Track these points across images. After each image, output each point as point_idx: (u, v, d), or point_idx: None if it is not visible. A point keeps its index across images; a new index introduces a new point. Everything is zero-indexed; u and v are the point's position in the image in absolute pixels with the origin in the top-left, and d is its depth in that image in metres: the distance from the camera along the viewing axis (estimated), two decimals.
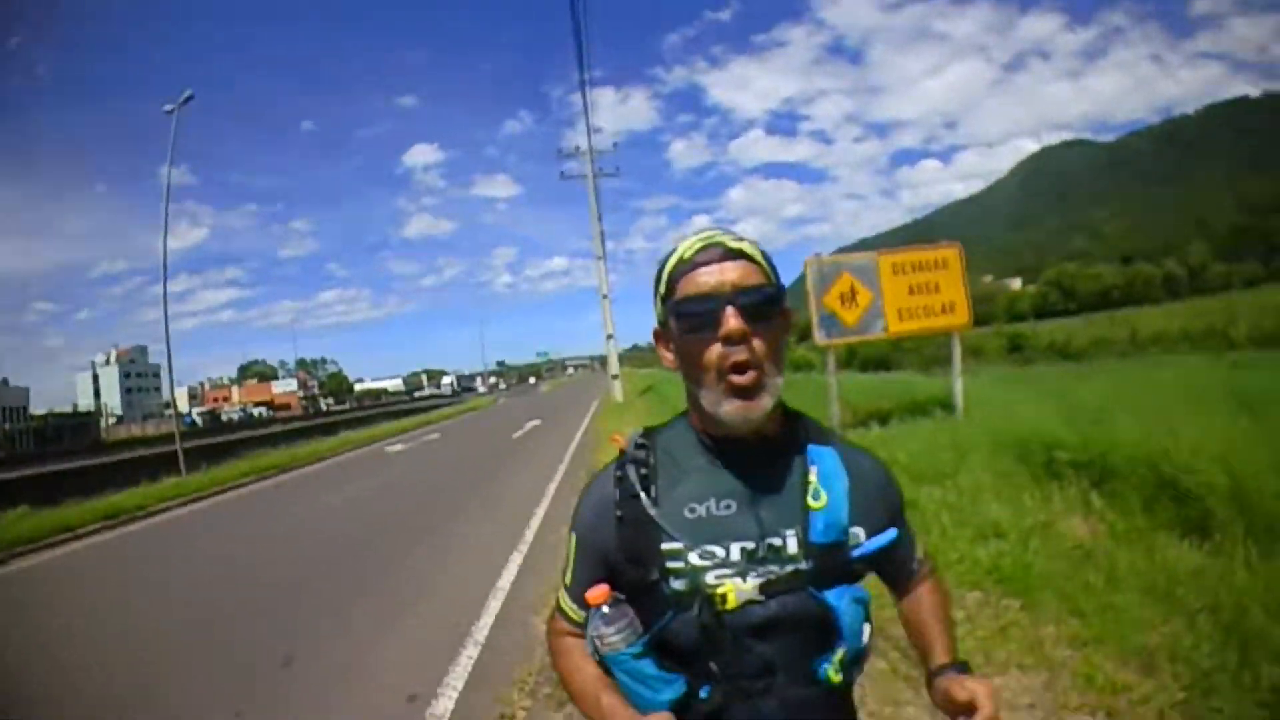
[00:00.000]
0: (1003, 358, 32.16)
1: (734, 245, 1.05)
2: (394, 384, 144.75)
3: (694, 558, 1.04)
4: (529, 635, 4.69)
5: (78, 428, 67.33)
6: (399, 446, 22.70)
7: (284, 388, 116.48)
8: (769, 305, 1.04)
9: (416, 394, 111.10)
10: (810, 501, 1.07)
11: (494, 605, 5.48)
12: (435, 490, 12.12)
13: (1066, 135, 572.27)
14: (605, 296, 34.18)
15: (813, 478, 1.08)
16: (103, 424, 74.06)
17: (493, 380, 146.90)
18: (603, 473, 1.19)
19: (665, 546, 1.05)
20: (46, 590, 8.29)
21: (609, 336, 34.89)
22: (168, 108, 25.51)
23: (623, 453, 1.15)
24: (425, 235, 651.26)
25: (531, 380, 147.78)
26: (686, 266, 1.06)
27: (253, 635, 5.45)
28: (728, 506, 1.07)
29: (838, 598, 1.04)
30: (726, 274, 1.03)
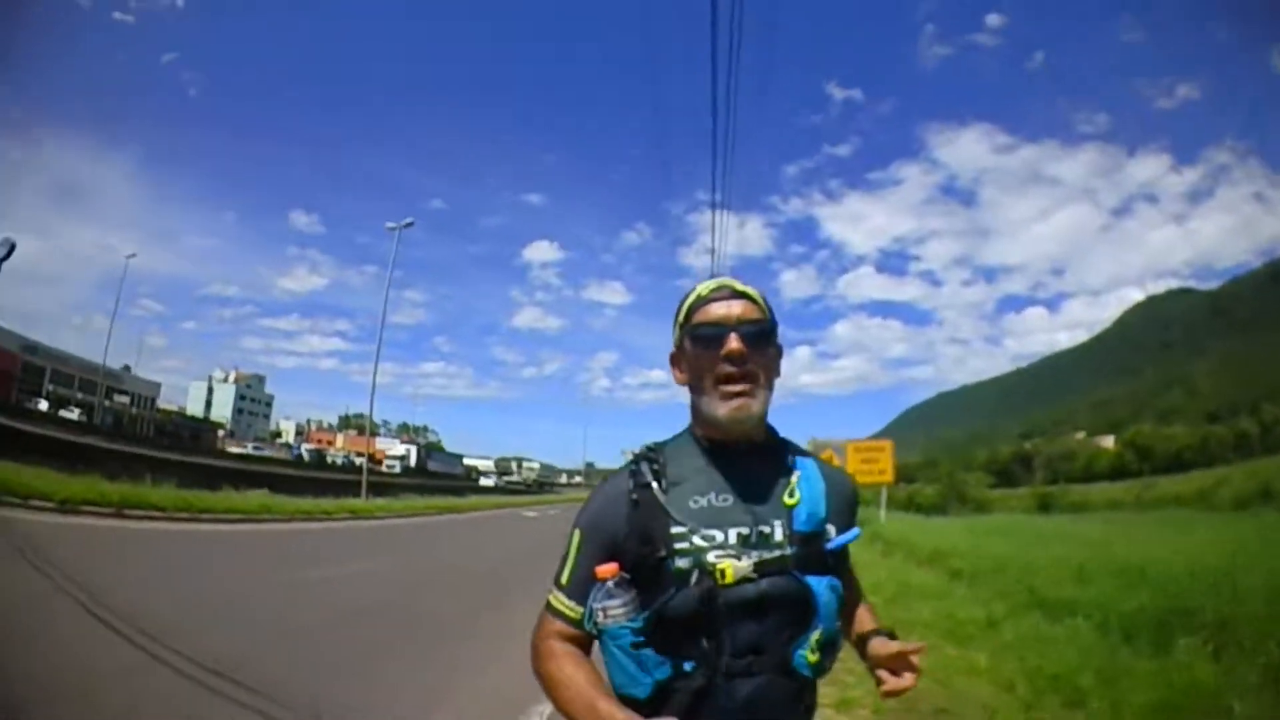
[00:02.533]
0: (1032, 510, 43.31)
1: (740, 289, 1.43)
2: (485, 464, 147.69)
3: (697, 539, 1.29)
4: None
5: (197, 432, 73.50)
6: (532, 514, 33.36)
7: (386, 445, 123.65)
8: (763, 335, 1.40)
9: (505, 477, 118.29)
10: (794, 498, 1.36)
11: None
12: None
13: (1172, 283, 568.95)
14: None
15: (795, 479, 1.38)
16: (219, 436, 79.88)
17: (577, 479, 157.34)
18: (614, 475, 1.47)
19: (673, 530, 1.30)
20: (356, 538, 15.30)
21: None
22: (390, 225, 33.76)
23: (634, 456, 1.45)
24: (532, 328, 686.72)
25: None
26: (703, 302, 1.43)
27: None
28: (725, 499, 1.35)
29: (817, 582, 1.30)
30: (733, 309, 1.39)
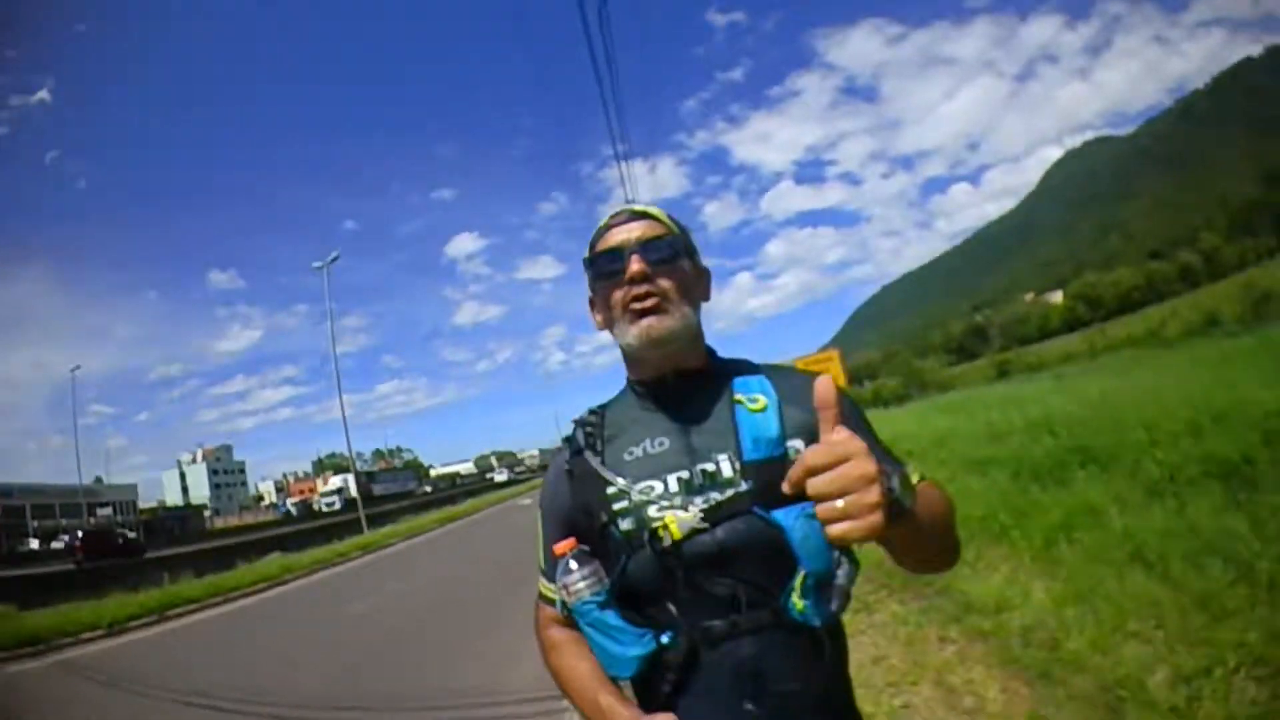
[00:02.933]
0: (993, 379, 43.96)
1: (639, 209, 1.32)
2: (465, 467, 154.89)
3: (635, 495, 1.18)
4: None
5: (184, 519, 72.51)
6: (527, 501, 35.14)
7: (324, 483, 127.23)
8: (669, 252, 1.26)
9: (488, 475, 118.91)
10: (738, 423, 1.19)
11: None
12: None
13: (1088, 135, 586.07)
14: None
15: (739, 397, 1.22)
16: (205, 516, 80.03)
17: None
18: (556, 451, 1.38)
19: (609, 491, 1.20)
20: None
21: None
22: (316, 264, 34.33)
23: (574, 421, 1.35)
24: (475, 321, 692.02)
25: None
26: (604, 230, 1.32)
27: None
28: (661, 444, 1.23)
29: (786, 515, 1.08)
30: (632, 231, 1.27)
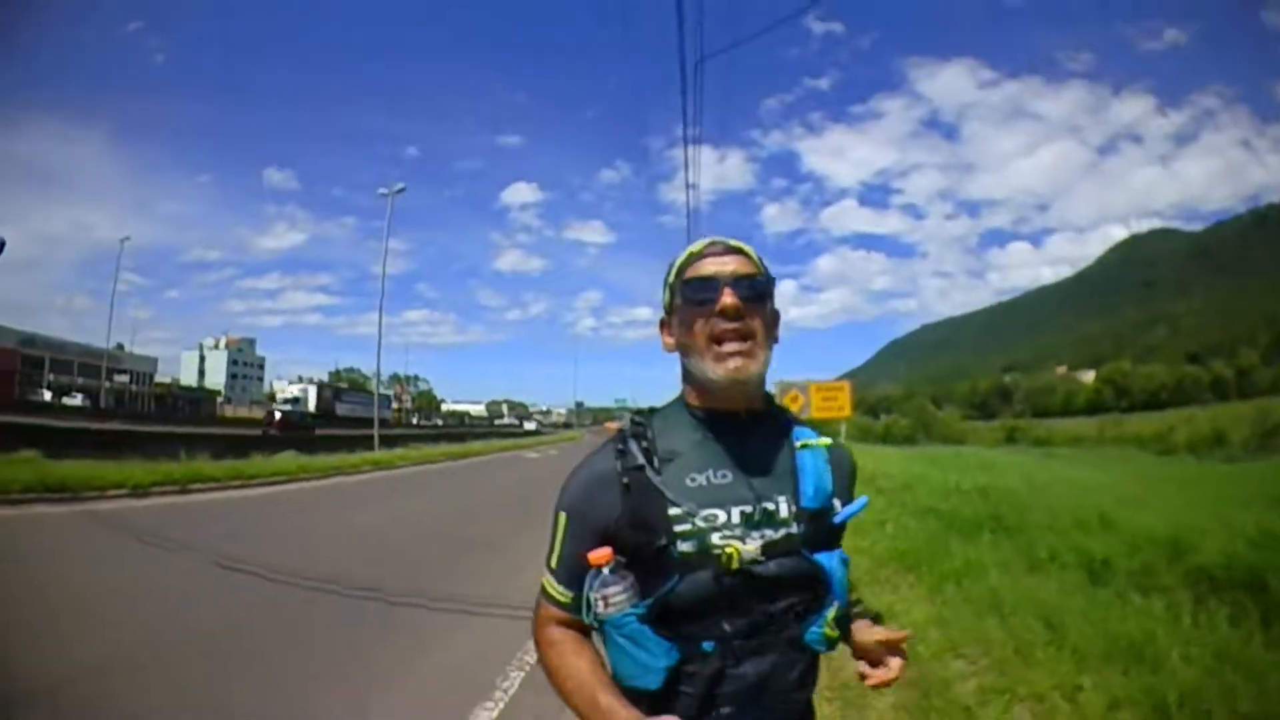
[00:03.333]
0: (1000, 443, 46.18)
1: (734, 244, 1.34)
2: (477, 409, 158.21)
3: (699, 522, 1.21)
4: None
5: (196, 402, 76.02)
6: (534, 454, 37.95)
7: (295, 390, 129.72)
8: (760, 292, 1.31)
9: (497, 421, 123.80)
10: (799, 472, 1.30)
11: None
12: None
13: (1155, 223, 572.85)
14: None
15: (798, 451, 1.32)
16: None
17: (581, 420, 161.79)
18: (597, 453, 1.35)
19: (672, 512, 1.22)
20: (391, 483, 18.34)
21: None
22: (382, 191, 35.46)
23: (620, 432, 1.34)
24: (515, 270, 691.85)
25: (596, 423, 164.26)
26: (695, 258, 1.34)
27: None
28: (724, 476, 1.27)
29: (828, 559, 1.25)
30: (725, 264, 1.30)
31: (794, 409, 10.32)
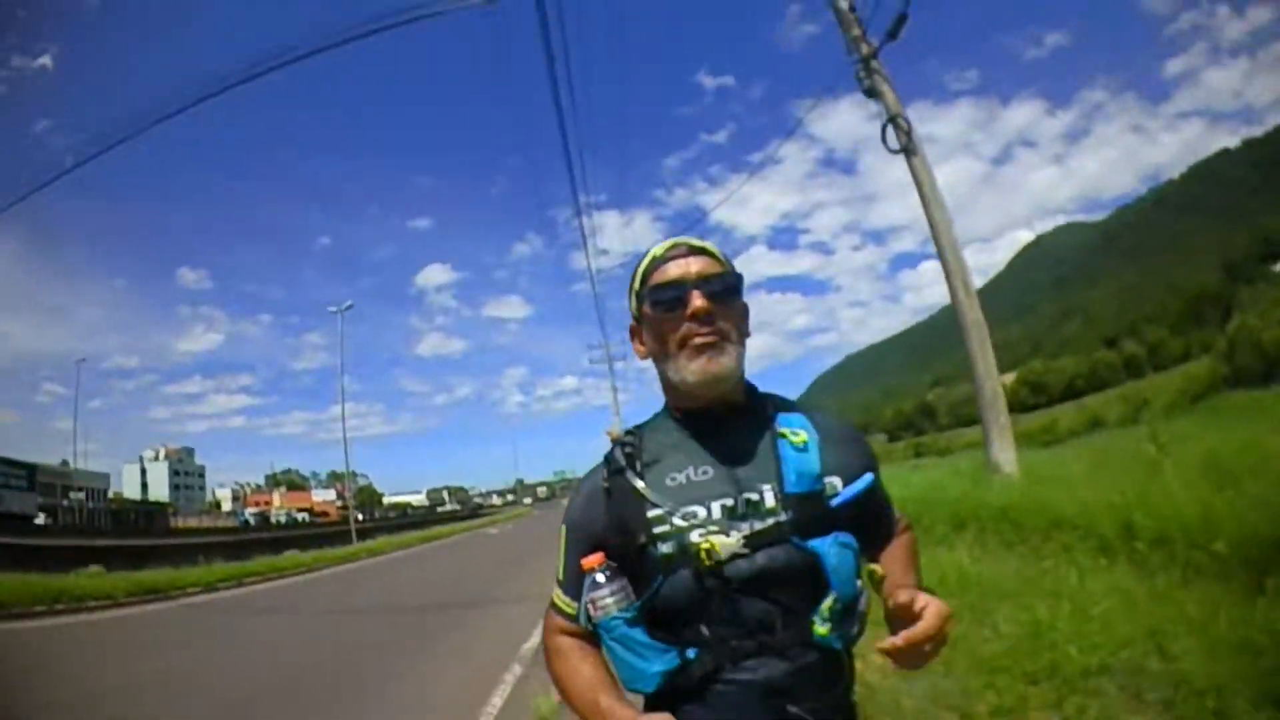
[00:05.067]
0: (908, 459, 48.88)
1: (697, 244, 1.35)
2: (418, 499, 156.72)
3: (677, 520, 1.22)
4: None
5: (151, 515, 74.94)
6: (494, 531, 41.58)
7: (322, 496, 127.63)
8: (728, 290, 1.33)
9: (438, 509, 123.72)
10: (779, 458, 1.26)
11: None
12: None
13: (1059, 220, 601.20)
14: (617, 415, 44.32)
15: (784, 431, 1.29)
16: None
17: (527, 499, 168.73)
18: (593, 469, 1.40)
19: (651, 514, 1.24)
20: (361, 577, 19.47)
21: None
22: (332, 309, 39.10)
23: (613, 441, 1.37)
24: (437, 354, 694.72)
25: (547, 498, 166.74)
26: (659, 262, 1.35)
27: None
28: (705, 472, 1.27)
29: (821, 544, 1.19)
30: (691, 266, 1.31)
31: None
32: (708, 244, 1.37)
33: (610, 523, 1.29)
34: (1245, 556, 4.51)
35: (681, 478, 1.28)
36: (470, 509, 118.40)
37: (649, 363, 1.43)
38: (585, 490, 1.39)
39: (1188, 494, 5.77)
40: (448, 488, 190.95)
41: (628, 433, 1.40)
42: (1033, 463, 11.81)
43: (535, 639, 7.89)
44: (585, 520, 1.35)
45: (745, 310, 1.39)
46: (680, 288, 1.30)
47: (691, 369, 1.29)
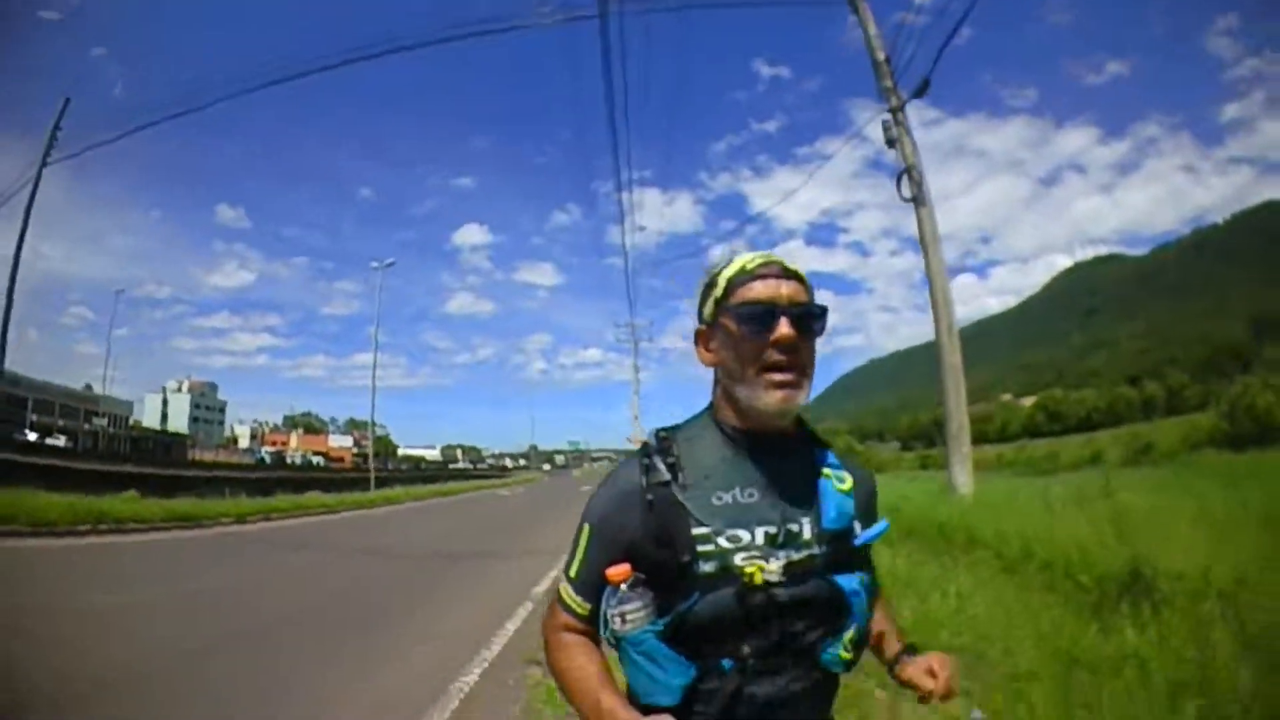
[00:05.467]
0: (914, 469, 54.42)
1: (790, 267, 1.32)
2: (432, 454, 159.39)
3: (722, 541, 1.22)
4: None
5: (169, 446, 76.88)
6: (505, 492, 44.88)
7: (339, 442, 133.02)
8: (813, 321, 1.30)
9: (451, 465, 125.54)
10: (822, 494, 1.30)
11: None
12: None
13: (1100, 250, 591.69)
14: (636, 394, 47.81)
15: (823, 474, 1.32)
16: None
17: (545, 465, 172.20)
18: (621, 467, 1.37)
19: (696, 531, 1.23)
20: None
21: (635, 417, 48.57)
22: (374, 264, 42.11)
23: (645, 446, 1.35)
24: (465, 313, 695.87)
25: (563, 466, 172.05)
26: (747, 276, 1.31)
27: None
28: (750, 495, 1.27)
29: (848, 581, 1.25)
30: (782, 289, 1.29)
31: None
32: (799, 269, 1.35)
33: (648, 535, 1.26)
34: (1102, 590, 5.71)
35: (728, 498, 1.27)
36: (482, 470, 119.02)
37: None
38: (618, 492, 1.34)
39: (1084, 534, 7.09)
40: (461, 446, 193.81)
41: (662, 436, 1.37)
42: (989, 489, 13.17)
43: (545, 584, 9.40)
44: (617, 525, 1.31)
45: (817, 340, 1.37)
46: (771, 310, 1.28)
47: (767, 400, 1.27)
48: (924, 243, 12.12)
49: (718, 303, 1.35)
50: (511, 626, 7.15)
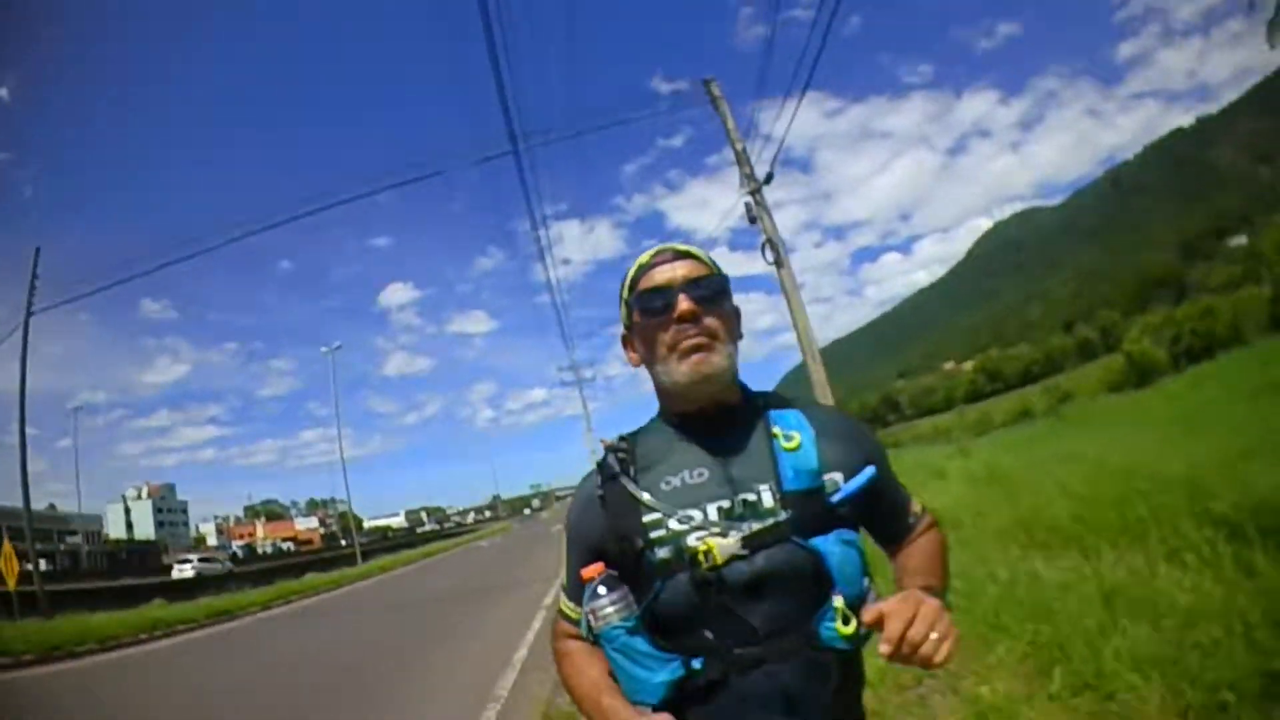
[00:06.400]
0: None
1: (683, 249, 1.36)
2: (397, 521, 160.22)
3: (673, 524, 1.22)
4: None
5: (142, 554, 76.14)
6: (484, 544, 46.69)
7: (304, 525, 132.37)
8: (715, 292, 1.32)
9: (418, 530, 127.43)
10: (775, 456, 1.25)
11: None
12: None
13: (1018, 206, 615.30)
14: (589, 430, 47.40)
15: (776, 431, 1.28)
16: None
17: (526, 510, 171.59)
18: (587, 475, 1.41)
19: (646, 518, 1.24)
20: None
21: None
22: (324, 350, 44.46)
23: (606, 447, 1.37)
24: (403, 373, 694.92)
25: (527, 511, 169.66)
26: (646, 268, 1.35)
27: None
28: (700, 474, 1.27)
29: (823, 542, 1.17)
30: (677, 270, 1.32)
31: None
32: (693, 248, 1.38)
33: (607, 530, 1.29)
34: None
35: (677, 481, 1.28)
36: (449, 529, 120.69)
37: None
38: (580, 498, 1.39)
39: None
40: (425, 508, 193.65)
41: (620, 438, 1.40)
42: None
43: (549, 599, 12.44)
44: (582, 528, 1.35)
45: (736, 312, 1.39)
46: (667, 292, 1.30)
47: (682, 370, 1.28)
48: (789, 299, 15.68)
49: (628, 303, 1.40)
50: (537, 624, 10.36)
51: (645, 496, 1.26)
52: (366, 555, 46.43)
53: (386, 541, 77.62)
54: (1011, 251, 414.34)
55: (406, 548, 58.86)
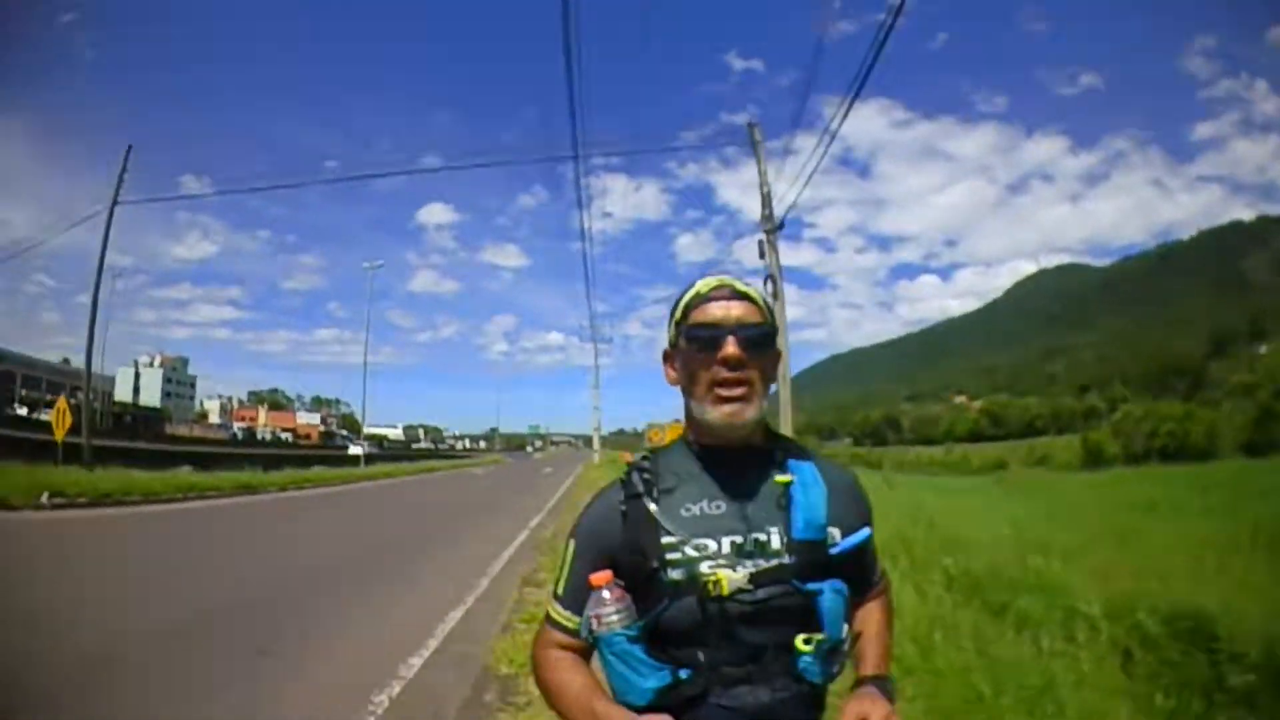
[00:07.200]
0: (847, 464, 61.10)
1: (741, 289, 1.40)
2: (394, 432, 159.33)
3: (689, 550, 1.28)
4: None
5: (147, 421, 78.25)
6: (479, 471, 50.67)
7: (306, 419, 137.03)
8: (763, 340, 1.37)
9: (414, 445, 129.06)
10: (790, 504, 1.32)
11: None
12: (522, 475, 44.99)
13: (1064, 258, 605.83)
14: (595, 388, 50.58)
15: (791, 484, 1.34)
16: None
17: (528, 448, 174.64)
18: (608, 487, 1.47)
19: (665, 540, 1.29)
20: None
21: (596, 407, 52.59)
22: (366, 265, 47.42)
23: (629, 466, 1.44)
24: (428, 292, 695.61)
25: (524, 450, 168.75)
26: (701, 300, 1.39)
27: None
28: (718, 507, 1.34)
29: (819, 589, 1.27)
30: (732, 310, 1.35)
31: (659, 439, 14.67)
32: (752, 289, 1.42)
33: (625, 543, 1.35)
34: None
35: (696, 510, 1.34)
36: (444, 450, 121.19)
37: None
38: (599, 507, 1.45)
39: None
40: (424, 426, 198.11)
41: (644, 458, 1.46)
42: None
43: (535, 520, 15.61)
44: (598, 537, 1.41)
45: (776, 358, 1.44)
46: (718, 331, 1.34)
47: (715, 414, 1.35)
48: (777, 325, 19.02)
49: (677, 325, 1.43)
50: (535, 520, 13.75)
51: (664, 520, 1.32)
52: (370, 461, 47.57)
53: (382, 451, 79.21)
54: (1048, 302, 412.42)
55: (407, 460, 60.73)
